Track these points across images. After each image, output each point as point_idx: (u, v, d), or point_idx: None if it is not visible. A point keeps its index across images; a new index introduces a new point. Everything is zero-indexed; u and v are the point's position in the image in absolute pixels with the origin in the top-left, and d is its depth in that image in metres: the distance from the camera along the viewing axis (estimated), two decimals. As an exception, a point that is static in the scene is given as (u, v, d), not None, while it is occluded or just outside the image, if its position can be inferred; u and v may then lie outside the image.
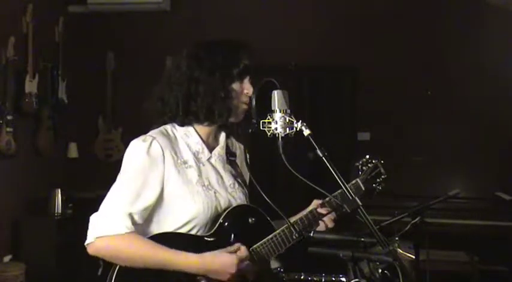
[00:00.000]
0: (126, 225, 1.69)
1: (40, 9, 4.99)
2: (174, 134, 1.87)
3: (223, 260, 1.73)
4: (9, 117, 4.56)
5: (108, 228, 1.69)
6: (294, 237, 1.79)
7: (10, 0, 4.81)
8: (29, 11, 4.84)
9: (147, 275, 1.71)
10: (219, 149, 1.94)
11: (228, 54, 1.85)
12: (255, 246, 1.84)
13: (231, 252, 1.76)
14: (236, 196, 1.92)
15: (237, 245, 1.79)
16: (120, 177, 1.78)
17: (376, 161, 2.05)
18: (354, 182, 2.03)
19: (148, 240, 1.73)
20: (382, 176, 2.04)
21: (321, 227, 1.93)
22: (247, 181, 2.03)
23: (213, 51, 1.86)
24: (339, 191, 1.88)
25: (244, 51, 1.87)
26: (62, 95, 5.29)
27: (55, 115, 5.21)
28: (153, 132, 1.84)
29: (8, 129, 4.55)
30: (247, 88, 1.86)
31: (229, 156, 1.98)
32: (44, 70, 5.13)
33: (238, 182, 1.96)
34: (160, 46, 5.37)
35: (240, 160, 2.02)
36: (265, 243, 1.85)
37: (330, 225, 1.93)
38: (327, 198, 1.93)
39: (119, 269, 1.72)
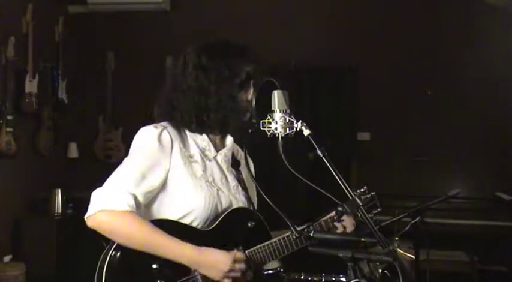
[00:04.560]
0: (128, 203, 1.69)
1: (40, 9, 4.99)
2: (183, 128, 1.89)
3: (218, 256, 1.73)
4: (9, 117, 4.56)
5: (111, 203, 1.68)
6: (294, 237, 1.79)
7: (10, 0, 4.82)
8: (29, 11, 4.85)
9: (140, 267, 1.71)
10: (226, 151, 1.95)
11: (232, 64, 1.85)
12: (250, 250, 1.84)
13: (228, 251, 1.76)
14: (238, 198, 1.93)
15: (235, 250, 1.79)
16: (127, 158, 1.79)
17: (373, 193, 2.09)
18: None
19: (148, 222, 1.73)
20: (378, 209, 2.09)
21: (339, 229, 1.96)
22: (255, 190, 2.03)
23: (217, 60, 1.85)
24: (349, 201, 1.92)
25: (246, 59, 1.87)
26: (62, 95, 5.29)
27: (55, 115, 5.21)
28: (164, 123, 1.85)
29: (8, 129, 4.55)
30: (250, 95, 1.87)
31: (234, 162, 1.99)
32: (44, 70, 5.13)
33: (241, 186, 1.97)
34: (160, 46, 5.38)
35: (244, 169, 2.01)
36: (260, 248, 1.85)
37: (350, 229, 1.96)
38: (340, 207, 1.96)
39: (110, 259, 1.70)
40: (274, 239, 1.87)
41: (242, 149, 2.00)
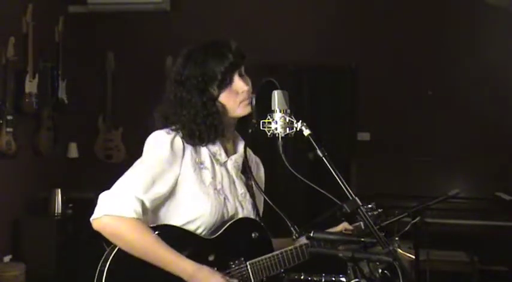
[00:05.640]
0: (135, 210, 1.68)
1: (40, 9, 4.99)
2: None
3: (214, 280, 1.73)
4: (9, 117, 4.57)
5: (118, 208, 1.68)
6: (294, 237, 1.79)
7: (10, 0, 4.82)
8: (29, 11, 4.85)
9: (140, 274, 1.71)
10: (237, 156, 1.94)
11: (205, 70, 1.82)
12: (252, 261, 1.85)
13: (226, 278, 1.76)
14: (244, 206, 1.92)
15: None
16: (138, 163, 1.78)
17: (381, 210, 2.14)
18: (357, 223, 2.09)
19: (152, 232, 1.72)
20: (382, 224, 2.13)
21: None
22: (263, 189, 2.02)
23: (190, 70, 1.83)
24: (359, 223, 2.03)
25: (220, 59, 1.82)
26: (62, 95, 5.30)
27: (55, 115, 5.21)
28: (176, 128, 1.84)
29: (8, 129, 4.55)
30: (240, 86, 1.85)
31: (244, 168, 1.97)
32: (44, 70, 5.13)
33: (249, 193, 1.96)
34: (160, 46, 5.37)
35: (254, 174, 2.00)
36: (263, 260, 1.86)
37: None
38: (357, 223, 2.05)
39: (111, 261, 1.70)
40: (277, 252, 1.88)
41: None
